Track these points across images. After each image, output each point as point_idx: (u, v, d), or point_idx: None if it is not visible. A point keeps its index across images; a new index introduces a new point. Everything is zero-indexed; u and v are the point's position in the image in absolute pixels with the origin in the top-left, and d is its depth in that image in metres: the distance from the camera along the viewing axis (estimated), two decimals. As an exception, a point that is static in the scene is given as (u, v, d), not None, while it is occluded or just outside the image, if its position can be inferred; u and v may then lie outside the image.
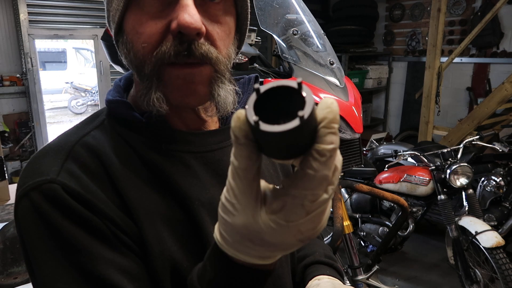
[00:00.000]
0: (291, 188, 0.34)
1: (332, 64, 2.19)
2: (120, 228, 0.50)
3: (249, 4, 0.57)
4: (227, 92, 0.55)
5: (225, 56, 0.53)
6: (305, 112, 0.30)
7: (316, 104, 0.32)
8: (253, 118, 0.31)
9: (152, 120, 0.56)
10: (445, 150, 2.61)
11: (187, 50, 0.49)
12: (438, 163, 2.57)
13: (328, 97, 0.33)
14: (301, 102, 0.31)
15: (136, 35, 0.51)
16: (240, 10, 0.56)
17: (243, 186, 0.35)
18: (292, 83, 0.32)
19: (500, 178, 2.80)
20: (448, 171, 2.46)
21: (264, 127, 0.30)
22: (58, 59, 11.37)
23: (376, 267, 2.17)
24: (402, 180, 2.82)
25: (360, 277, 2.06)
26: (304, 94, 0.31)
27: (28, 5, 3.80)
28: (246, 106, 0.32)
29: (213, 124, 0.63)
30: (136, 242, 0.52)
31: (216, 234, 0.41)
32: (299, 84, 0.31)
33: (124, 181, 0.53)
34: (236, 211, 0.36)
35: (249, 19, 0.59)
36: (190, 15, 0.47)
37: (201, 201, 0.56)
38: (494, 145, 2.82)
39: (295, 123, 0.29)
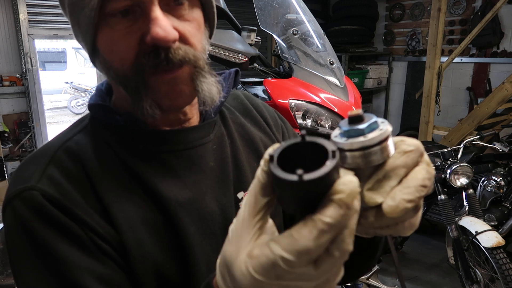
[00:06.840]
0: (273, 242, 0.30)
1: (332, 64, 2.19)
2: (99, 235, 0.50)
3: None
4: (209, 84, 0.55)
5: (201, 50, 0.54)
6: (309, 175, 0.28)
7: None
8: (270, 152, 0.30)
9: (131, 121, 0.56)
10: (445, 150, 2.60)
11: (166, 60, 0.49)
12: (438, 163, 2.57)
13: (349, 177, 0.30)
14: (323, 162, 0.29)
15: (112, 54, 0.51)
16: (204, 0, 0.56)
17: (248, 217, 0.33)
18: (331, 146, 0.30)
19: (500, 178, 2.79)
20: (448, 171, 2.46)
21: (272, 165, 0.29)
22: (57, 59, 11.39)
23: (376, 267, 2.17)
24: (402, 180, 2.81)
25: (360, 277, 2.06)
26: (328, 162, 0.29)
27: (28, 5, 3.79)
28: (277, 144, 0.31)
29: (195, 119, 0.63)
30: (116, 248, 0.51)
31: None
32: (333, 152, 0.29)
33: (104, 185, 0.53)
34: (231, 239, 0.34)
35: (215, 6, 0.58)
36: (162, 27, 0.47)
37: (180, 201, 0.55)
38: (494, 145, 2.82)
39: (292, 177, 0.28)
